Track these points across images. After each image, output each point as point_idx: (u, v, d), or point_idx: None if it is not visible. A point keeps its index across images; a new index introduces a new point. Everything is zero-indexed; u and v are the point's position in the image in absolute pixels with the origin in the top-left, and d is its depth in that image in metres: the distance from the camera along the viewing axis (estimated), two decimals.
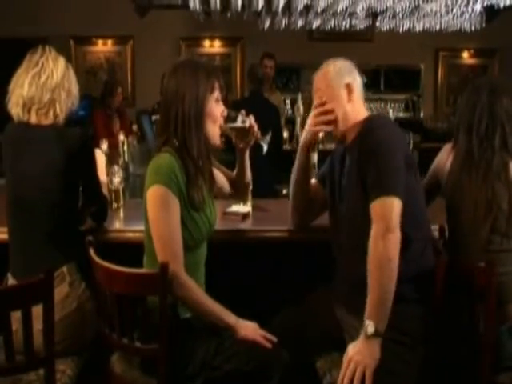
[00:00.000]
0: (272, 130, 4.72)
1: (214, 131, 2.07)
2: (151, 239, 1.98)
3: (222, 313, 1.96)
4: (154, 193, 1.95)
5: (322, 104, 2.12)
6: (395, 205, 1.89)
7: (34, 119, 2.21)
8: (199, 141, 2.02)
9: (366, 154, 1.96)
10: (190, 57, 2.06)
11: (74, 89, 2.28)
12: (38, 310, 1.84)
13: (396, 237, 1.86)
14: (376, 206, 1.90)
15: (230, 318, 1.96)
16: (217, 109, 2.06)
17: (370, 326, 1.83)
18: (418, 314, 1.98)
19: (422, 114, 8.05)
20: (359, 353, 1.85)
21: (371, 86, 7.98)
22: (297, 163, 2.30)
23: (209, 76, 2.03)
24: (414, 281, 1.97)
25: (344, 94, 2.10)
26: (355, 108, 2.11)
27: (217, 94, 2.06)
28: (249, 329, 1.97)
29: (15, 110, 2.21)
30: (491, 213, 2.11)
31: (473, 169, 2.16)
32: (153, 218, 1.95)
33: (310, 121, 2.19)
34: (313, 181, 2.35)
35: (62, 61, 2.27)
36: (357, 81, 2.13)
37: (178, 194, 1.96)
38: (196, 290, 1.95)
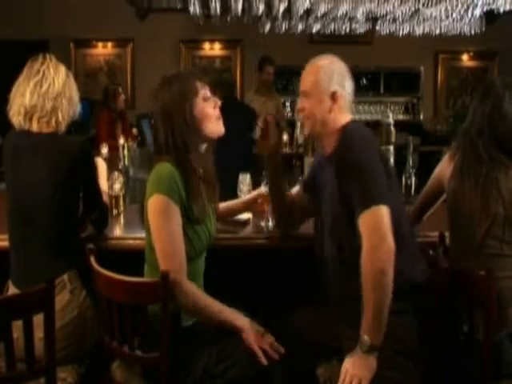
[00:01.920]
0: (250, 132, 4.76)
1: (212, 127, 2.07)
2: (152, 249, 1.97)
3: (231, 316, 1.95)
4: (154, 202, 1.95)
5: (301, 110, 2.11)
6: (383, 213, 1.86)
7: (35, 127, 2.21)
8: (196, 150, 2.04)
9: (344, 168, 1.94)
10: (166, 75, 2.05)
11: (75, 96, 2.28)
12: (39, 318, 1.84)
13: (389, 246, 1.83)
14: (364, 220, 1.87)
15: (239, 321, 1.95)
16: (208, 106, 2.06)
17: (365, 341, 1.83)
18: (414, 321, 1.98)
19: (421, 117, 8.06)
20: (355, 366, 1.84)
21: (371, 88, 8.01)
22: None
23: (187, 82, 2.03)
24: (407, 289, 1.96)
25: (328, 100, 2.07)
26: (336, 117, 2.07)
27: (202, 92, 2.05)
28: (257, 336, 1.94)
29: (16, 118, 2.21)
30: (488, 218, 2.11)
31: (470, 173, 2.16)
32: (154, 228, 1.95)
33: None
34: (296, 189, 2.33)
35: (62, 69, 2.27)
36: (345, 90, 2.09)
37: (180, 203, 1.96)
38: (202, 296, 1.95)
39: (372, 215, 1.86)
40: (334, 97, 2.06)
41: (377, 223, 1.85)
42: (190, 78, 2.06)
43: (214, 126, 2.07)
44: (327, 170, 2.08)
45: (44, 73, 2.20)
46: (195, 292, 1.94)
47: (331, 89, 2.06)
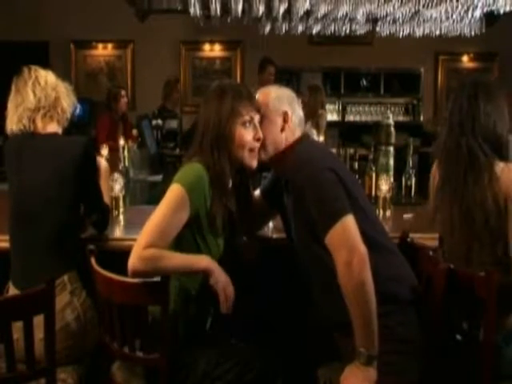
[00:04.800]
0: None
1: (243, 155, 2.02)
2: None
3: (192, 260, 1.93)
4: (171, 190, 1.93)
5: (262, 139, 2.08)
6: (347, 224, 1.86)
7: (40, 126, 2.25)
8: (225, 162, 1.99)
9: (297, 193, 1.95)
10: (220, 82, 2.05)
11: (69, 86, 2.36)
12: (39, 319, 1.85)
13: (360, 254, 1.82)
14: (331, 239, 1.86)
15: (202, 262, 1.92)
16: (244, 133, 2.01)
17: (362, 354, 1.82)
18: (414, 321, 1.98)
19: (421, 118, 8.05)
20: (355, 376, 1.83)
21: (371, 89, 8.01)
22: None
23: (234, 99, 2.00)
24: (407, 291, 1.98)
25: (279, 120, 2.09)
26: (287, 137, 2.10)
27: (244, 118, 2.01)
28: (221, 280, 1.90)
29: (20, 124, 2.24)
30: (480, 217, 2.12)
31: (452, 182, 2.16)
32: (157, 210, 1.91)
33: None
34: (256, 193, 2.30)
35: (47, 70, 2.35)
36: (296, 112, 2.12)
37: (198, 207, 1.93)
38: (161, 253, 1.88)
39: (336, 231, 1.85)
40: (285, 116, 2.09)
41: (343, 237, 1.85)
42: (237, 98, 2.01)
43: (241, 155, 2.02)
44: (288, 196, 2.06)
45: (36, 75, 2.28)
46: (155, 253, 1.87)
47: (282, 109, 2.10)
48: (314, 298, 2.08)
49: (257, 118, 2.04)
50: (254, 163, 2.05)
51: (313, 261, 2.00)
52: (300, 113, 2.15)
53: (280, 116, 2.09)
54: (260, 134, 2.04)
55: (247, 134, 2.01)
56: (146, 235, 1.87)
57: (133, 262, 1.85)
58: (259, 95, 2.14)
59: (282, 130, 2.09)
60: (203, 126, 2.02)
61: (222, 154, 1.98)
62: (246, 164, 2.04)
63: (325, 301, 2.01)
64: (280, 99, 2.11)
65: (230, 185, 2.05)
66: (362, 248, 1.83)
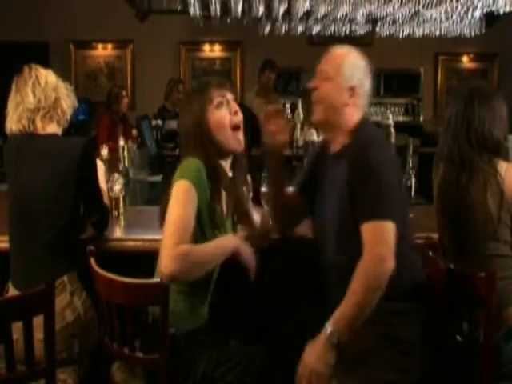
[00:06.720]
0: (256, 132, 4.75)
1: (227, 137, 2.03)
2: None
3: (221, 246, 1.96)
4: (177, 186, 1.93)
5: (316, 88, 2.04)
6: (389, 229, 1.83)
7: (39, 127, 2.24)
8: (214, 155, 2.02)
9: (358, 173, 1.90)
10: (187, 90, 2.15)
11: (69, 87, 2.35)
12: (38, 320, 1.84)
13: (390, 266, 1.80)
14: (371, 230, 1.84)
15: (229, 246, 1.96)
16: (219, 114, 2.03)
17: (333, 333, 1.79)
18: (417, 322, 1.98)
19: (421, 118, 8.06)
20: (316, 359, 1.80)
21: (371, 89, 8.01)
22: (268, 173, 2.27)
23: (202, 91, 2.05)
24: (410, 290, 1.97)
25: (346, 92, 2.02)
26: (350, 113, 2.02)
27: (216, 100, 2.03)
28: (248, 255, 1.97)
29: (19, 124, 2.24)
30: (480, 219, 2.12)
31: (460, 175, 2.18)
32: (168, 210, 1.92)
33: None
34: (291, 189, 2.30)
35: (48, 70, 2.34)
36: (363, 88, 2.05)
37: (202, 198, 1.94)
38: (190, 247, 1.87)
39: (380, 228, 1.84)
40: (352, 92, 2.02)
41: (383, 238, 1.83)
42: (206, 86, 2.06)
43: (226, 137, 2.03)
44: (335, 168, 2.02)
45: (36, 75, 2.27)
46: (190, 253, 1.86)
47: (351, 83, 2.02)
48: (329, 282, 2.07)
49: (229, 96, 2.06)
50: (240, 143, 2.06)
51: (341, 236, 1.98)
52: (368, 89, 2.07)
53: (347, 89, 2.01)
54: (236, 108, 2.06)
55: (223, 114, 2.03)
56: (170, 236, 1.85)
57: (165, 264, 1.81)
58: (334, 54, 2.07)
59: (347, 104, 2.01)
60: (184, 135, 2.07)
61: (209, 149, 2.00)
62: (233, 145, 2.05)
63: (341, 285, 2.01)
64: (353, 71, 2.02)
65: (229, 177, 2.06)
66: (392, 262, 1.81)
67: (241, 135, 2.06)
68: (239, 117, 2.06)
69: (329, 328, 1.80)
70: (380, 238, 1.83)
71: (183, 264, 1.82)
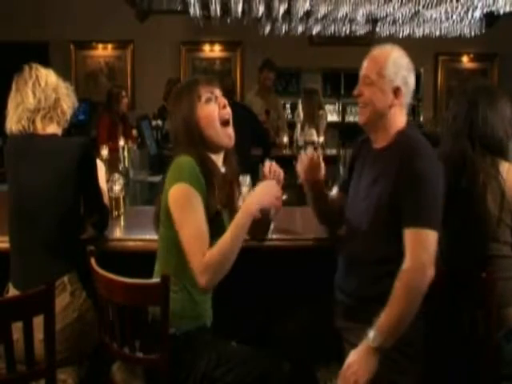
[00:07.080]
0: (256, 132, 4.73)
1: (217, 132, 2.04)
2: (164, 242, 1.98)
3: (240, 225, 1.91)
4: (177, 191, 1.93)
5: (360, 95, 2.04)
6: (431, 237, 1.86)
7: (39, 127, 2.24)
8: (204, 152, 2.02)
9: (407, 179, 1.90)
10: (176, 87, 2.11)
11: (70, 87, 2.35)
12: (39, 320, 1.84)
13: (431, 274, 1.84)
14: (416, 236, 1.86)
15: (248, 220, 1.91)
16: (208, 109, 2.04)
17: (377, 338, 1.82)
18: (421, 324, 1.98)
19: (421, 119, 8.06)
20: (358, 362, 1.84)
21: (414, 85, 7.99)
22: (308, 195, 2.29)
23: (191, 88, 2.05)
24: None
25: (390, 94, 2.00)
26: (396, 114, 2.02)
27: (204, 96, 2.03)
28: (266, 204, 1.95)
29: (19, 125, 2.23)
30: (480, 219, 2.12)
31: (461, 175, 2.17)
32: (178, 218, 1.92)
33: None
34: (334, 192, 2.31)
35: (49, 69, 2.34)
36: (408, 88, 2.04)
37: (201, 194, 1.94)
38: (215, 249, 1.87)
39: (423, 235, 1.86)
40: (396, 92, 2.00)
41: (426, 245, 1.86)
42: (193, 84, 2.06)
43: (216, 133, 2.03)
44: (376, 165, 2.04)
45: (37, 75, 2.26)
46: (216, 256, 1.86)
47: (395, 83, 2.00)
48: (342, 268, 2.09)
49: (217, 92, 2.06)
50: (231, 138, 2.06)
51: (370, 233, 1.99)
52: (412, 87, 2.05)
53: (391, 90, 2.00)
54: (225, 102, 2.06)
55: (212, 108, 2.04)
56: (193, 247, 1.87)
57: (201, 280, 1.85)
58: (376, 56, 2.05)
59: (392, 105, 2.00)
60: (175, 132, 2.07)
61: (200, 145, 2.01)
62: (223, 140, 2.05)
63: (355, 273, 2.02)
64: (397, 72, 2.00)
65: (222, 173, 2.06)
66: (433, 270, 1.85)
67: (231, 130, 2.07)
68: (228, 110, 2.07)
69: (372, 334, 1.83)
70: (423, 246, 1.86)
71: (217, 269, 1.86)
